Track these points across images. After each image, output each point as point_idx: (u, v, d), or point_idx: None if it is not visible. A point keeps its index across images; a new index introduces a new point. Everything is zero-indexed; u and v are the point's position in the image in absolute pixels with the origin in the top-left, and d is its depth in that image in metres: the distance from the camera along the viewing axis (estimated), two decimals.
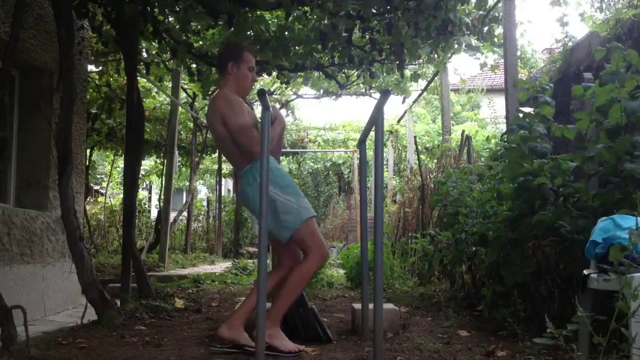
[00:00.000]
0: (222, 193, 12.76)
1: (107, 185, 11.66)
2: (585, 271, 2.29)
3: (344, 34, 4.85)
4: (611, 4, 4.85)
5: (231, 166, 3.31)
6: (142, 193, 14.40)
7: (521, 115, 3.42)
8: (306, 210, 2.85)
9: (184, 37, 5.26)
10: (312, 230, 2.87)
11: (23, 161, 4.21)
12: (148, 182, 15.75)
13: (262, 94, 2.56)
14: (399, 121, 12.24)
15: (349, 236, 12.04)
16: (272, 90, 9.29)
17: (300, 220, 2.81)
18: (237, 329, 2.79)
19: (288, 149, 13.15)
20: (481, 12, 5.19)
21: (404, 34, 4.71)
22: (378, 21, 4.85)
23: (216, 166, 13.65)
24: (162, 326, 3.51)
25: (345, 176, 16.57)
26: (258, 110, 10.03)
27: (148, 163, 14.39)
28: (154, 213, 12.44)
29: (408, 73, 7.10)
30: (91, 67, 5.84)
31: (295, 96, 10.11)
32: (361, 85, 8.01)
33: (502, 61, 6.12)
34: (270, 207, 2.73)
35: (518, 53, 5.52)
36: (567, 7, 4.91)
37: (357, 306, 3.40)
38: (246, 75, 3.04)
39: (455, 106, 16.34)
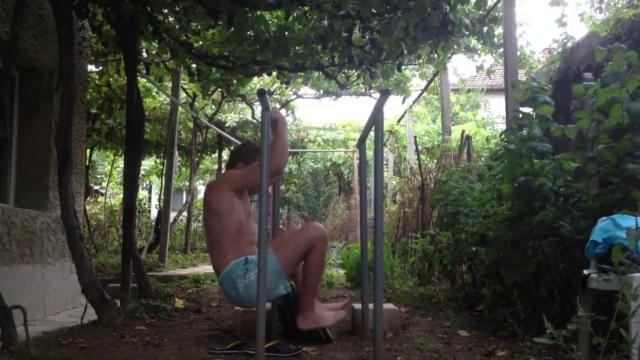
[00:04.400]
0: None
1: (107, 185, 11.65)
2: (585, 271, 2.30)
3: (344, 35, 4.85)
4: (611, 4, 4.85)
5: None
6: (142, 193, 14.40)
7: (520, 115, 3.41)
8: (270, 264, 2.65)
9: (184, 37, 5.26)
10: (289, 253, 2.84)
11: (23, 161, 4.21)
12: (148, 182, 15.74)
13: (262, 94, 2.55)
14: (399, 121, 12.24)
15: (349, 236, 12.04)
16: (272, 90, 9.29)
17: (278, 272, 2.77)
18: (312, 314, 2.88)
19: (288, 149, 13.12)
20: (481, 12, 5.19)
21: (395, 34, 4.70)
22: (378, 21, 4.84)
23: (216, 166, 13.65)
24: (162, 326, 3.51)
25: (345, 176, 16.57)
26: (258, 110, 10.04)
27: (148, 163, 14.39)
28: (154, 213, 12.43)
29: (408, 73, 7.10)
30: (91, 67, 5.83)
31: (295, 96, 10.12)
32: (361, 85, 8.01)
33: (498, 63, 6.13)
34: (253, 289, 2.64)
35: (518, 53, 5.52)
36: (567, 7, 4.91)
37: (357, 306, 3.40)
38: (253, 173, 2.83)
39: (455, 106, 16.33)
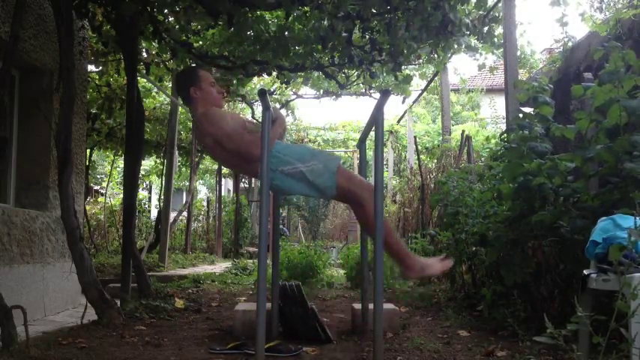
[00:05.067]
0: (222, 193, 12.77)
1: (107, 185, 11.66)
2: (585, 271, 2.29)
3: (344, 34, 4.85)
4: (611, 4, 4.85)
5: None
6: (142, 193, 14.40)
7: (521, 115, 3.41)
8: (331, 161, 2.84)
9: (184, 37, 5.26)
10: (347, 175, 2.88)
11: (23, 161, 4.21)
12: (148, 182, 15.74)
13: (263, 94, 2.56)
14: (399, 121, 12.23)
15: (349, 236, 12.04)
16: (272, 90, 9.29)
17: (333, 172, 2.79)
18: (416, 263, 2.81)
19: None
20: (481, 12, 5.19)
21: (400, 35, 4.70)
22: (378, 21, 4.85)
23: (216, 166, 13.66)
24: (162, 326, 3.51)
25: None
26: (258, 110, 10.04)
27: (148, 163, 14.38)
28: (154, 213, 12.43)
29: (408, 72, 7.08)
30: (91, 67, 5.84)
31: (295, 96, 10.11)
32: (361, 85, 8.01)
33: (501, 61, 6.14)
34: (303, 180, 2.77)
35: (518, 53, 5.52)
36: (567, 7, 4.91)
37: (357, 306, 3.40)
38: (210, 92, 3.05)
39: (455, 106, 16.32)
